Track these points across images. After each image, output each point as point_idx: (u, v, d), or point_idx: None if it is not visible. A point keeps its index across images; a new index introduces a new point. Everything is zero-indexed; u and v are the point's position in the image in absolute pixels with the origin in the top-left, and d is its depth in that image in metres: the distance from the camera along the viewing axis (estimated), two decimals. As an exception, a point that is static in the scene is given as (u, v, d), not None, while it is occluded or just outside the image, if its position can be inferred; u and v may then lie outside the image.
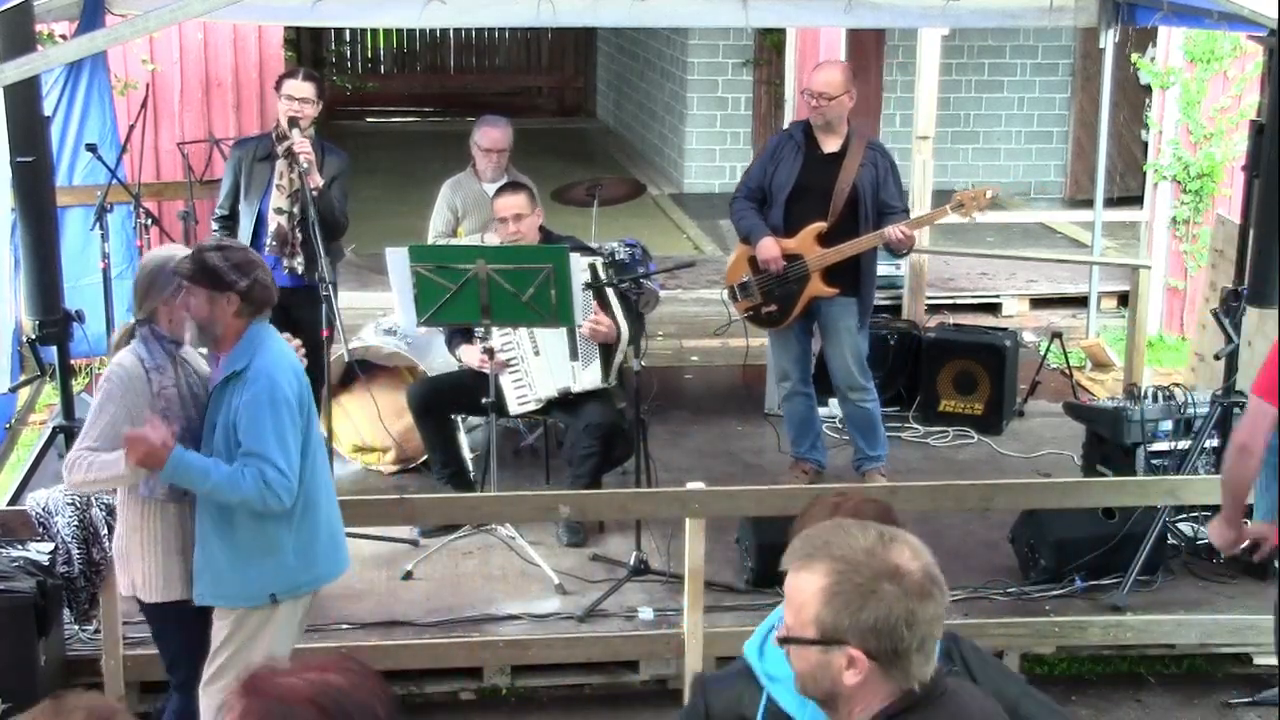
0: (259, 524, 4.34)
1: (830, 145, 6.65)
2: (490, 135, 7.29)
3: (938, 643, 2.31)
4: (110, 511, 5.07)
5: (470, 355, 6.42)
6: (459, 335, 6.55)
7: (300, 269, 6.57)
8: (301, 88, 6.60)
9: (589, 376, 6.41)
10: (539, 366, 6.44)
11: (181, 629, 4.52)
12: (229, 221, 6.76)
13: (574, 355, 6.38)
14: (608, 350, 6.44)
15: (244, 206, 6.65)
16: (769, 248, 6.63)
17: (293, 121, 6.54)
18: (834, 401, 7.43)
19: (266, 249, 6.60)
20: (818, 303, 6.71)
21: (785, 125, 11.63)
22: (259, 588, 4.39)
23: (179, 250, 4.52)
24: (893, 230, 6.44)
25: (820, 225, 6.60)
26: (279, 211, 6.59)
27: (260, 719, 2.06)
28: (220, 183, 6.94)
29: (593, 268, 6.35)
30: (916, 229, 6.54)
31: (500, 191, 6.64)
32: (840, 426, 7.62)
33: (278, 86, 6.68)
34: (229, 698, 2.11)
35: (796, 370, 6.93)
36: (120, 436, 4.21)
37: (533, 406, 6.48)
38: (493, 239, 6.93)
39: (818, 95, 6.55)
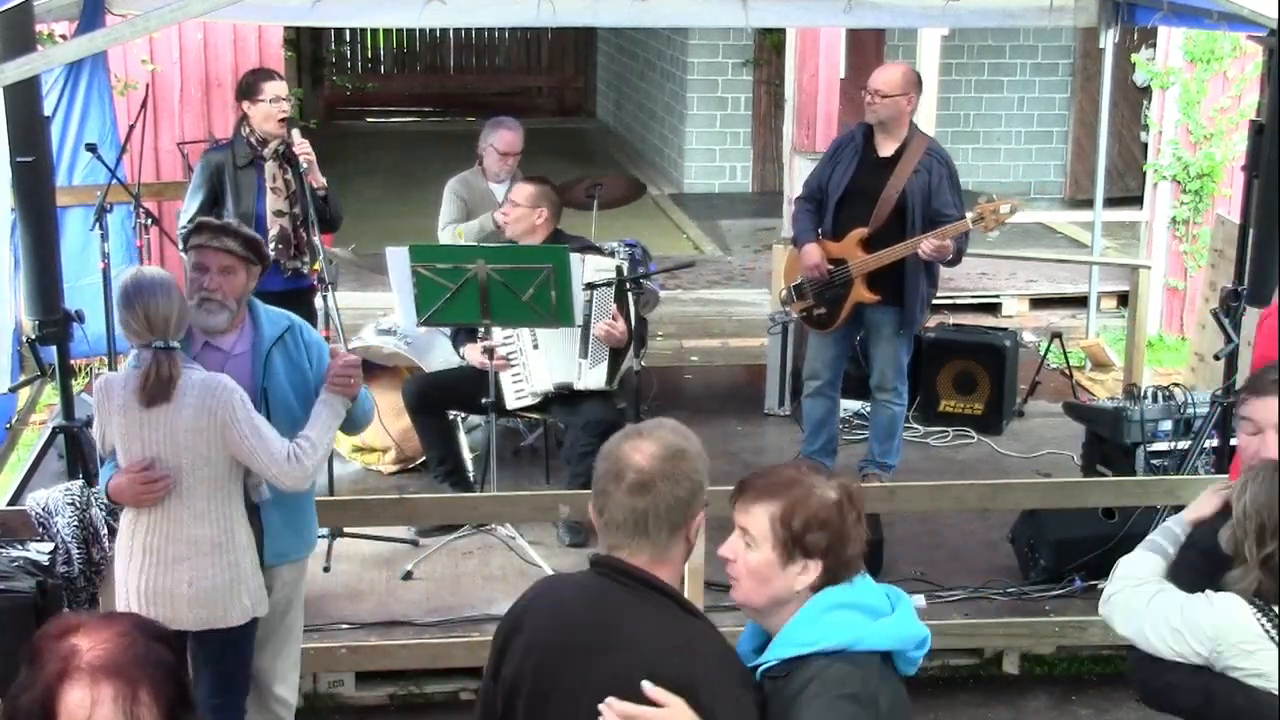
0: None
1: (887, 149, 6.57)
2: (506, 139, 7.30)
3: (622, 530, 2.76)
4: (111, 512, 5.06)
5: (474, 354, 6.43)
6: (464, 333, 6.55)
7: (305, 269, 6.57)
8: (283, 87, 6.58)
9: (594, 377, 6.41)
10: (537, 360, 6.44)
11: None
12: None
13: (584, 353, 6.38)
14: (616, 355, 6.44)
15: (232, 215, 6.59)
16: (811, 255, 6.60)
17: (291, 122, 6.53)
18: (844, 403, 7.45)
19: (270, 253, 6.59)
20: (862, 308, 6.69)
21: (785, 125, 11.71)
22: (315, 524, 4.69)
23: (161, 270, 4.44)
24: (925, 246, 6.37)
25: (862, 231, 6.56)
26: (279, 214, 6.57)
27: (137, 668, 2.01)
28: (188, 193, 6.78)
29: (619, 270, 6.33)
30: (952, 237, 6.46)
31: (528, 176, 6.71)
32: (842, 428, 7.64)
33: (251, 93, 6.55)
34: (87, 692, 1.99)
35: (827, 372, 6.91)
36: (265, 428, 4.21)
37: (529, 401, 6.47)
38: (498, 216, 6.94)
39: (873, 92, 6.47)
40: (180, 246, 6.75)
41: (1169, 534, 3.39)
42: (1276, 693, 3.03)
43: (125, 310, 4.20)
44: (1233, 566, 3.14)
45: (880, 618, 2.75)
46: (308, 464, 4.24)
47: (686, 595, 5.42)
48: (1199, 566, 3.22)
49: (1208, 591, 3.14)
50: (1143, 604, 3.23)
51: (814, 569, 2.75)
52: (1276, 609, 3.05)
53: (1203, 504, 3.38)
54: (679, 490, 2.77)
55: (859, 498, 2.81)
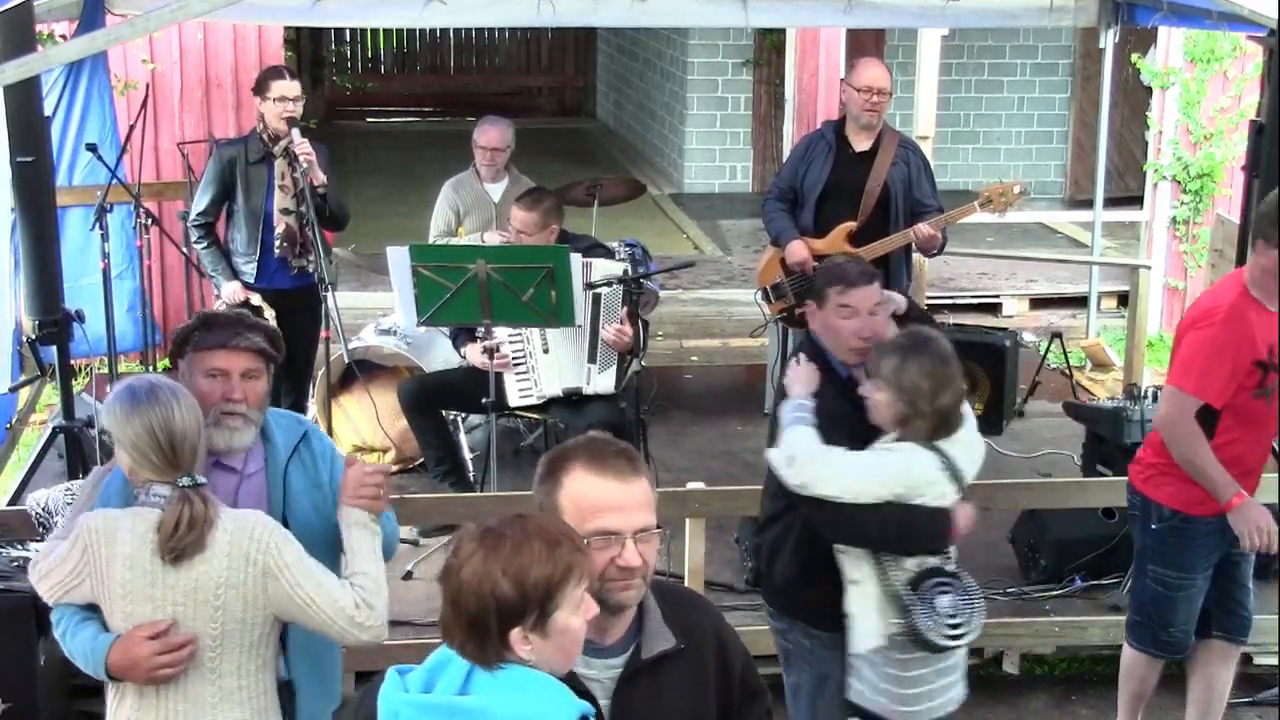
0: None
1: (862, 144, 6.60)
2: (488, 134, 7.30)
3: None
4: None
5: (475, 353, 6.42)
6: (465, 333, 6.55)
7: (311, 267, 6.58)
8: (293, 87, 6.59)
9: (604, 381, 6.40)
10: (546, 364, 6.43)
11: None
12: (212, 226, 6.74)
13: (592, 358, 6.37)
14: (623, 358, 6.43)
15: (242, 209, 6.62)
16: (798, 251, 6.61)
17: (292, 122, 6.53)
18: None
19: (276, 249, 6.61)
20: None
21: (785, 125, 11.70)
22: (339, 670, 3.91)
23: (163, 377, 3.38)
24: (920, 228, 6.41)
25: (850, 225, 6.57)
26: (285, 212, 6.59)
27: None
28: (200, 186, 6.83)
29: (625, 272, 6.32)
30: (942, 227, 6.49)
31: (520, 199, 6.57)
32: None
33: (261, 90, 6.60)
34: None
35: None
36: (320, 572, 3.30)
37: (534, 401, 6.48)
38: (493, 238, 6.94)
39: (878, 91, 6.48)
40: (194, 239, 6.77)
41: (803, 409, 4.02)
42: (940, 507, 3.87)
43: (134, 430, 3.21)
44: (881, 429, 3.96)
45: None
46: (379, 607, 3.30)
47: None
48: (828, 428, 3.97)
49: (888, 445, 3.93)
50: (839, 463, 3.89)
51: None
52: (942, 447, 3.90)
53: (809, 379, 4.10)
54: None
55: (451, 567, 2.48)
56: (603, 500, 2.68)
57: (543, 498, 2.75)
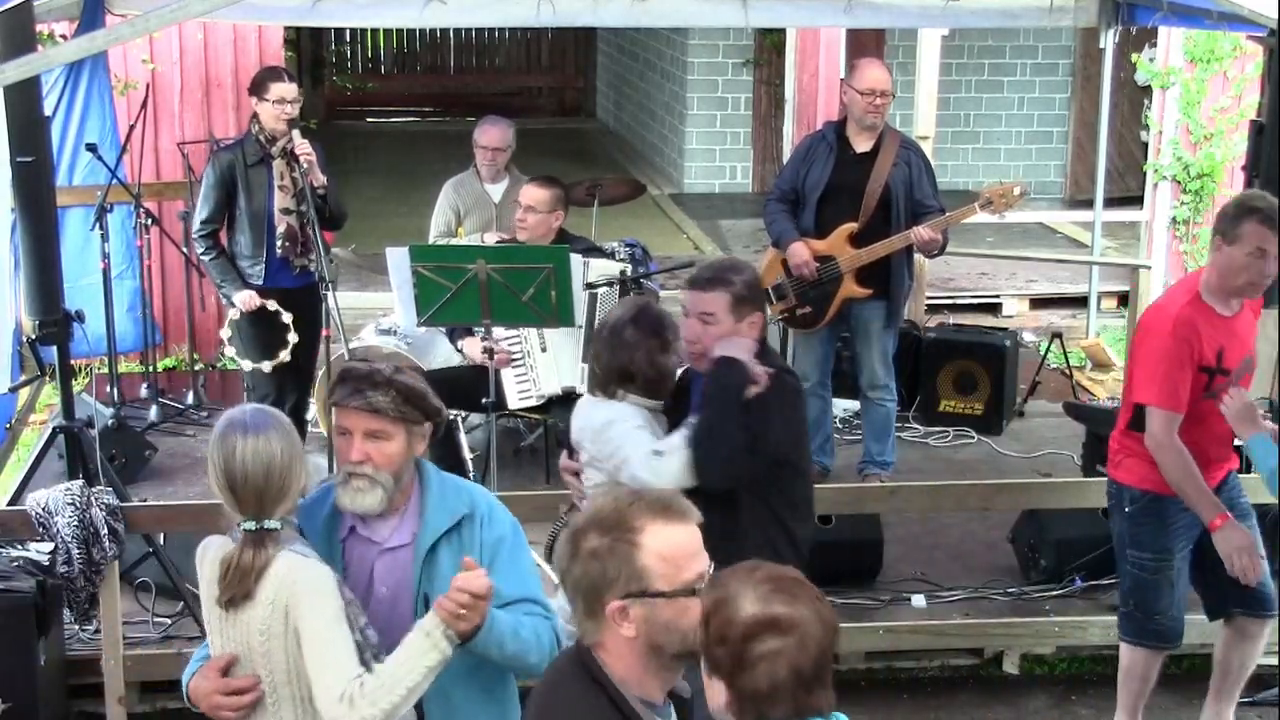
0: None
1: (863, 145, 6.60)
2: (489, 134, 7.31)
3: None
4: (112, 512, 5.07)
5: (473, 348, 6.41)
6: (462, 328, 6.55)
7: (313, 266, 6.58)
8: (291, 89, 6.59)
9: None
10: (545, 363, 6.44)
11: None
12: (217, 234, 6.72)
13: (586, 357, 6.37)
14: None
15: (245, 212, 6.61)
16: (799, 253, 6.61)
17: (291, 123, 6.53)
18: (838, 403, 7.44)
19: (279, 250, 6.60)
20: (849, 304, 6.70)
21: (785, 125, 11.70)
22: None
23: (272, 411, 3.26)
24: (920, 230, 6.41)
25: (851, 226, 6.58)
26: (286, 212, 6.59)
27: None
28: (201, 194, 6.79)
29: (622, 273, 6.32)
30: (943, 229, 6.49)
31: (534, 179, 6.65)
32: (840, 428, 7.63)
33: (259, 91, 6.59)
34: None
35: (816, 372, 6.92)
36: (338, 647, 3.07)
37: (534, 402, 6.48)
38: (492, 239, 6.94)
39: (882, 93, 6.49)
40: (200, 250, 6.75)
41: None
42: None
43: (210, 465, 3.16)
44: None
45: None
46: (365, 713, 2.99)
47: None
48: None
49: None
50: None
51: (719, 689, 2.42)
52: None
53: None
54: (574, 568, 2.63)
55: (788, 624, 2.35)
56: (689, 545, 2.65)
57: (617, 569, 2.58)
